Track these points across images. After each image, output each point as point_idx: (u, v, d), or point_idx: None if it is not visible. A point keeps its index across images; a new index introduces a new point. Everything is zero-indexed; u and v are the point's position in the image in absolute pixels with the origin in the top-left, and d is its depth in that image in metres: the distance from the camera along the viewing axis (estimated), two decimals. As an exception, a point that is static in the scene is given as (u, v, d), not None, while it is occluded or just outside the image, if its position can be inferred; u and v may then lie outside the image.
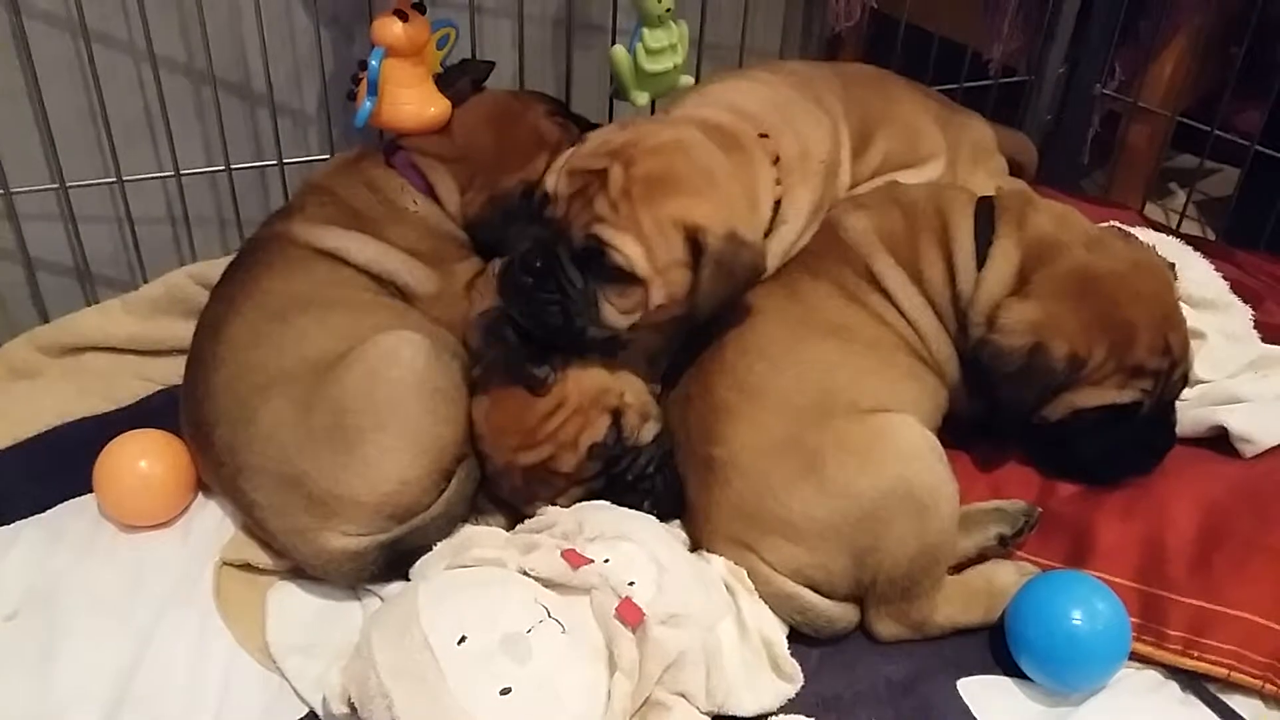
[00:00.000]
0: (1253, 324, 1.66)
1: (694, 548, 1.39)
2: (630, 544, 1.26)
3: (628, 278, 1.32)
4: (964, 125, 1.79)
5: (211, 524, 1.49)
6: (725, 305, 1.38)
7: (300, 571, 1.41)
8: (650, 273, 1.32)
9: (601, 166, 1.32)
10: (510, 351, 1.39)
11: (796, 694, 1.27)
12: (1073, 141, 2.18)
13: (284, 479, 1.35)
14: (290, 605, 1.39)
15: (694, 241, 1.32)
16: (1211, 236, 2.16)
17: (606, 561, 1.23)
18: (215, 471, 1.44)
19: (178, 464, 1.49)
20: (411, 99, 1.61)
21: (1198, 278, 1.64)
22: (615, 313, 1.35)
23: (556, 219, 1.35)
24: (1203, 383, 1.56)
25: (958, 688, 1.30)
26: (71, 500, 1.52)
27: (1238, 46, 1.94)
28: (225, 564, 1.43)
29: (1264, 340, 1.67)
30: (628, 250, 1.31)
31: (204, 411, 1.43)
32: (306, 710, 1.27)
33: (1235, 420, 1.49)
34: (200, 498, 1.53)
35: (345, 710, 1.14)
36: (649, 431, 1.44)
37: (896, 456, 1.32)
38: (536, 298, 1.35)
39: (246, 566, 1.42)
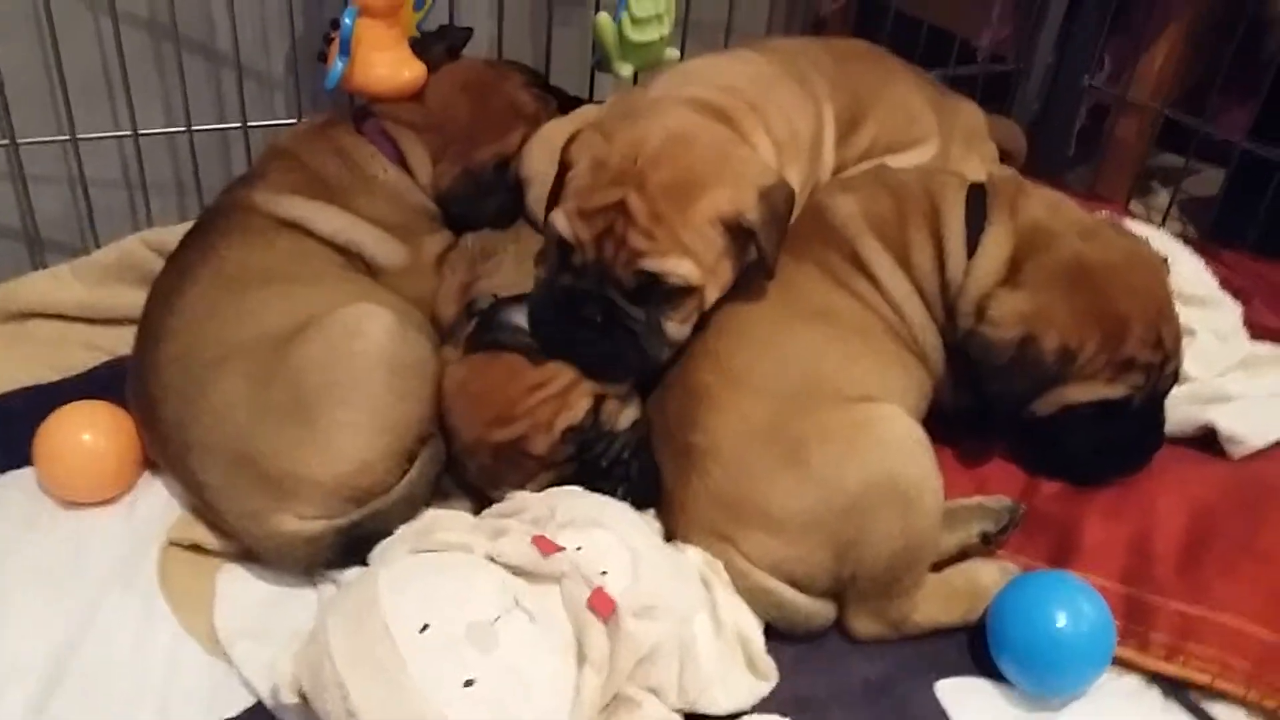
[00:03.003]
0: (1242, 321, 1.63)
1: (669, 539, 1.35)
2: (604, 531, 1.21)
3: (684, 292, 1.32)
4: (956, 109, 1.75)
5: (158, 503, 1.43)
6: (782, 243, 1.37)
7: (251, 555, 1.34)
8: (704, 277, 1.31)
9: (615, 199, 1.28)
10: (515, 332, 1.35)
11: (771, 692, 1.22)
12: (1058, 134, 2.16)
13: (236, 458, 1.29)
14: (240, 590, 1.33)
15: (735, 226, 1.31)
16: (1193, 236, 2.13)
17: (579, 549, 1.18)
18: (163, 448, 1.38)
19: (124, 439, 1.42)
20: (385, 62, 1.56)
21: (1188, 273, 1.61)
22: (678, 326, 1.35)
23: (591, 264, 1.31)
24: (1191, 380, 1.52)
25: (935, 689, 1.27)
26: (11, 473, 1.45)
27: (1225, 42, 1.92)
28: (171, 545, 1.36)
29: (1252, 338, 1.64)
30: (682, 270, 1.30)
31: (152, 385, 1.37)
32: (254, 700, 1.20)
33: (1224, 420, 1.46)
34: (147, 476, 1.46)
35: (295, 700, 1.08)
36: (627, 417, 1.39)
37: (882, 448, 1.27)
38: (609, 349, 1.34)
39: (194, 548, 1.36)
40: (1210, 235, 2.04)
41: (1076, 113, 2.15)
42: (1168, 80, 2.06)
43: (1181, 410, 1.49)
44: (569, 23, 1.96)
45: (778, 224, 1.33)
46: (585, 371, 1.34)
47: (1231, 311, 1.63)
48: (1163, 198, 2.22)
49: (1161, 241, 1.61)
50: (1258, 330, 1.67)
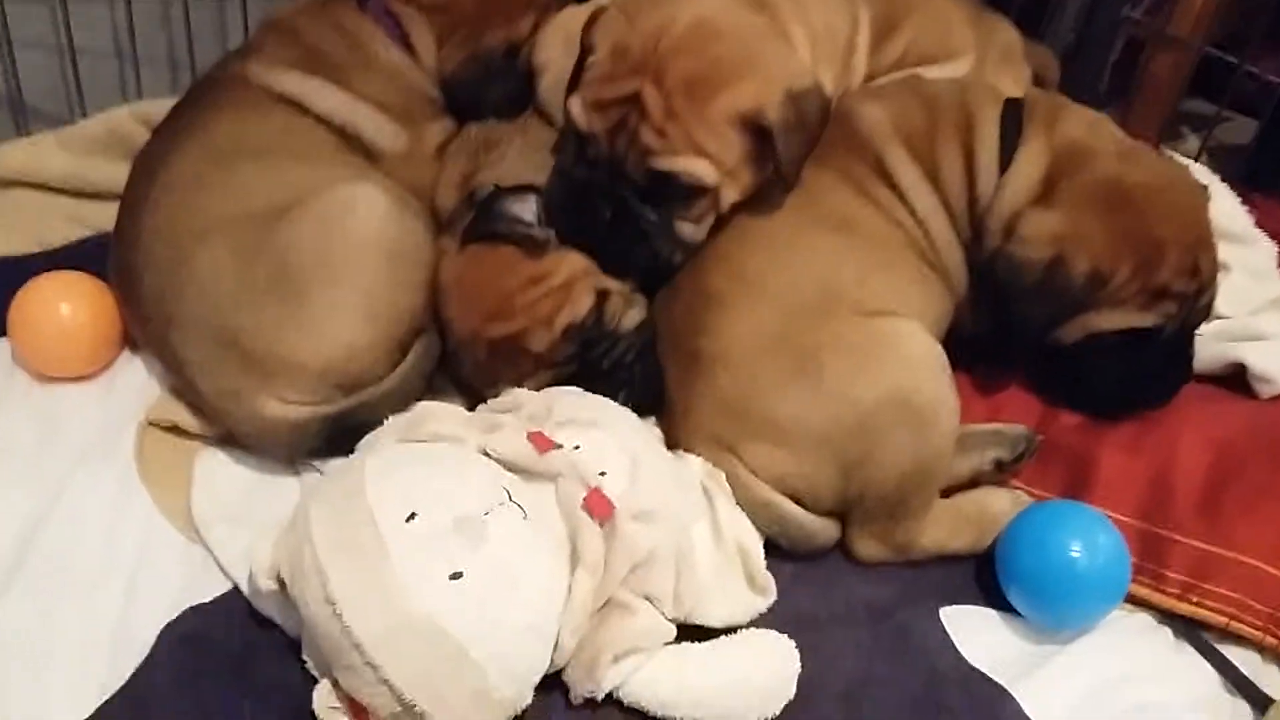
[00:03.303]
0: (1277, 262, 1.57)
1: (671, 447, 1.30)
2: (603, 432, 1.17)
3: (698, 192, 1.26)
4: (994, 27, 1.68)
5: (137, 382, 1.37)
6: (808, 154, 1.30)
7: (232, 439, 1.29)
8: (720, 178, 1.26)
9: (631, 90, 1.22)
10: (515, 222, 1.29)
11: (769, 609, 1.18)
12: (1092, 67, 2.07)
13: (218, 334, 1.23)
14: (219, 474, 1.28)
15: (755, 126, 1.24)
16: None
17: (576, 448, 1.13)
18: (143, 324, 1.32)
19: (103, 312, 1.36)
20: None
21: (1226, 208, 1.55)
22: (692, 228, 1.30)
23: (604, 158, 1.26)
24: (1222, 318, 1.47)
25: (940, 616, 1.24)
26: (-17, 343, 1.39)
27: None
28: (150, 424, 1.31)
29: (1285, 281, 1.58)
30: (694, 169, 1.24)
31: (134, 256, 1.30)
32: (230, 585, 1.16)
33: (1255, 357, 1.41)
34: (127, 354, 1.41)
35: (273, 586, 1.04)
36: (632, 319, 1.33)
37: (899, 363, 1.22)
38: (619, 247, 1.29)
39: (173, 429, 1.31)
40: (1241, 183, 1.98)
41: (1112, 45, 2.06)
42: (1209, 18, 1.97)
43: (1211, 347, 1.44)
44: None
45: (805, 132, 1.26)
46: (598, 264, 1.29)
47: (1267, 250, 1.57)
48: (1192, 143, 2.16)
49: (1200, 174, 1.54)
50: (1290, 276, 1.61)
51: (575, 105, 1.27)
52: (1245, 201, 1.70)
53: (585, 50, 1.29)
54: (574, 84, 1.30)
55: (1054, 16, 2.05)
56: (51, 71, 1.71)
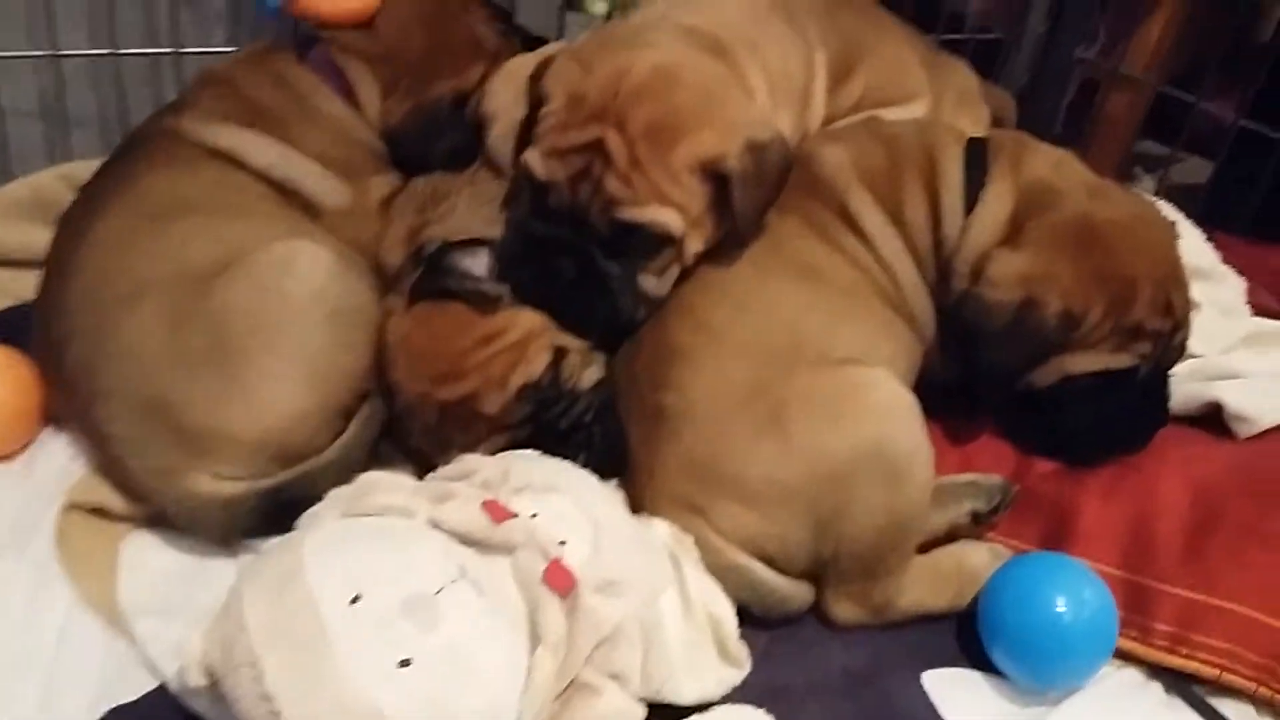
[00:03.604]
0: (1245, 298, 1.55)
1: (635, 511, 1.23)
2: (563, 498, 1.10)
3: (663, 243, 1.23)
4: (950, 70, 1.67)
5: (60, 461, 1.29)
6: (766, 211, 1.27)
7: (162, 520, 1.21)
8: (686, 228, 1.22)
9: (592, 138, 1.19)
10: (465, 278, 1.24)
11: (743, 681, 1.12)
12: (1047, 107, 2.08)
13: (147, 406, 1.16)
14: (148, 559, 1.20)
15: (716, 174, 1.20)
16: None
17: (534, 516, 1.06)
18: (68, 397, 1.25)
19: (23, 387, 1.29)
20: None
21: (1192, 245, 1.54)
22: (656, 281, 1.26)
23: (565, 208, 1.22)
24: (1194, 357, 1.44)
25: (922, 681, 1.18)
26: (-104, 422, 1.30)
27: (1220, 21, 1.86)
28: (72, 507, 1.22)
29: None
30: (662, 219, 1.20)
31: (58, 325, 1.24)
32: (156, 684, 1.08)
33: (1232, 397, 1.38)
34: (49, 431, 1.33)
35: (203, 682, 0.96)
36: (590, 376, 1.28)
37: (870, 413, 1.18)
38: (581, 304, 1.25)
39: (98, 512, 1.23)
40: (1198, 222, 1.98)
41: (1067, 86, 2.07)
42: (1162, 55, 1.99)
43: (1185, 387, 1.40)
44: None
45: (764, 185, 1.23)
46: (558, 323, 1.24)
47: (1234, 286, 1.56)
48: (1146, 183, 2.18)
49: (1164, 209, 1.52)
50: (1259, 312, 1.60)
51: (533, 156, 1.23)
52: (1207, 239, 1.69)
53: (537, 100, 1.25)
54: (526, 135, 1.26)
55: (1008, 58, 2.06)
56: (-24, 133, 1.65)
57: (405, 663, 0.91)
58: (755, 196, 1.23)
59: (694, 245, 1.25)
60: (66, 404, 1.26)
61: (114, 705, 1.05)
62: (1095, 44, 2.04)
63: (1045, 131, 2.07)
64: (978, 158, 1.34)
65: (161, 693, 1.06)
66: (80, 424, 1.25)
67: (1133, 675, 1.21)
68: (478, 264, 1.25)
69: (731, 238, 1.26)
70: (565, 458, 1.21)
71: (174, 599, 1.15)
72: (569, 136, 1.20)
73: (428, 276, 1.25)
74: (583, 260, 1.22)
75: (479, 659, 0.94)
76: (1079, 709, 1.16)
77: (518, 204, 1.28)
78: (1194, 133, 1.95)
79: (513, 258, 1.25)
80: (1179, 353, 1.34)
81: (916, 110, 1.54)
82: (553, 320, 1.25)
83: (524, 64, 1.43)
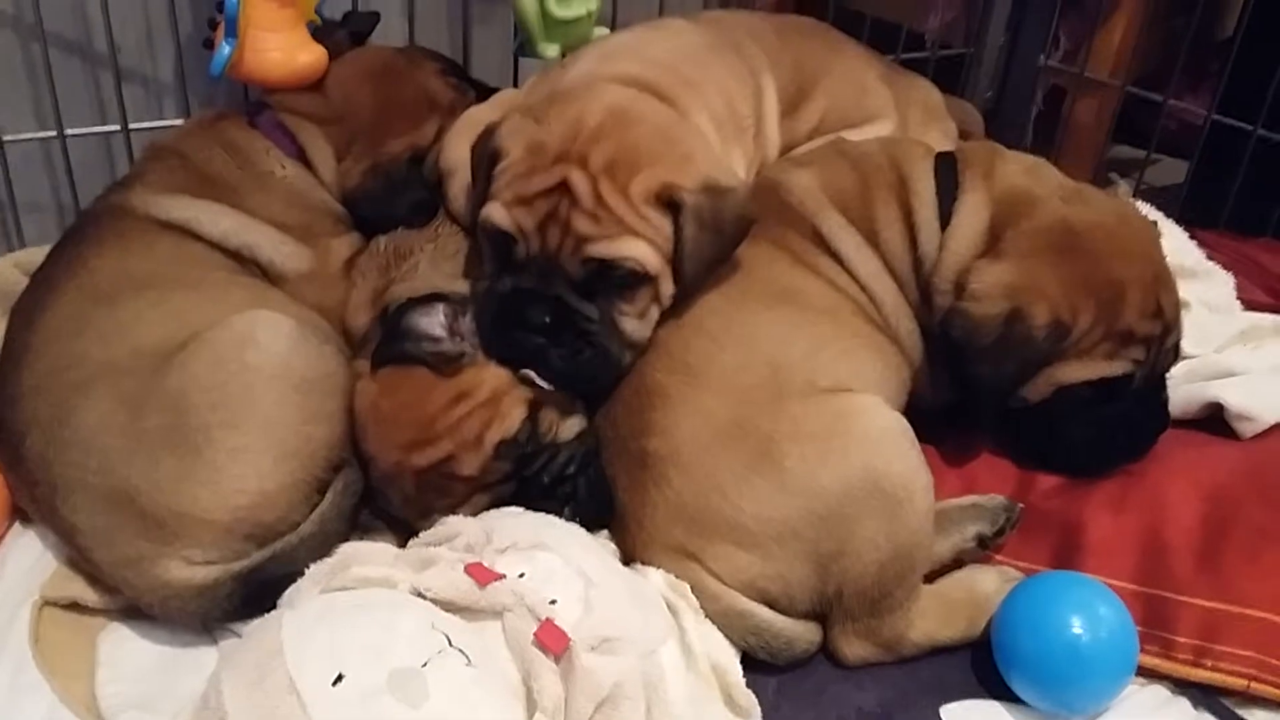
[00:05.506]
0: (1234, 294, 1.53)
1: (627, 561, 1.20)
2: (550, 554, 1.06)
3: (638, 280, 1.20)
4: (912, 85, 1.66)
5: (29, 558, 1.24)
6: (717, 267, 1.24)
7: (138, 610, 1.16)
8: (660, 265, 1.20)
9: (557, 180, 1.18)
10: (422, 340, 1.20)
11: (753, 731, 1.08)
12: (1015, 119, 2.07)
13: (110, 496, 1.12)
14: (126, 652, 1.16)
15: (671, 204, 1.18)
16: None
17: (521, 576, 1.03)
18: (30, 491, 1.20)
19: None
20: (278, 45, 1.42)
21: (1175, 244, 1.52)
22: (635, 323, 1.23)
23: (535, 255, 1.19)
24: (1189, 357, 1.41)
25: (941, 716, 1.15)
26: None
27: (1181, 19, 1.86)
28: (46, 603, 1.18)
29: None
30: (634, 252, 1.18)
31: (14, 416, 1.19)
32: (137, 781, 1.02)
33: (1233, 396, 1.35)
34: (17, 528, 1.27)
35: (183, 777, 0.90)
36: (570, 428, 1.24)
37: (863, 443, 1.15)
38: (563, 355, 1.20)
39: (72, 606, 1.19)
40: (1179, 222, 1.97)
41: (1033, 95, 2.07)
42: (1126, 56, 1.98)
43: (1182, 389, 1.38)
44: (488, 20, 1.82)
45: (719, 231, 1.21)
46: (547, 381, 1.20)
47: (1223, 283, 1.55)
48: (1124, 188, 2.16)
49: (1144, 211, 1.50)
50: (1250, 307, 1.58)
51: (494, 209, 1.20)
52: (1191, 238, 1.67)
53: (495, 157, 1.23)
54: (484, 192, 1.24)
55: (970, 70, 2.04)
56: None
57: (394, 742, 0.87)
58: (707, 243, 1.20)
59: (668, 285, 1.22)
60: (30, 497, 1.21)
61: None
62: (1058, 51, 2.04)
63: (1016, 144, 2.06)
64: (949, 170, 1.33)
65: (143, 792, 1.01)
66: (45, 516, 1.20)
67: (1158, 692, 1.18)
68: (434, 323, 1.21)
69: (679, 289, 1.23)
70: (550, 512, 1.18)
71: (155, 691, 1.11)
72: (533, 183, 1.18)
73: (385, 343, 1.22)
74: (559, 307, 1.19)
75: (472, 732, 0.90)
76: (1106, 732, 1.12)
77: (485, 267, 1.25)
78: (1166, 133, 1.95)
79: (489, 322, 1.21)
80: (1173, 356, 1.32)
81: (881, 129, 1.53)
82: (546, 379, 1.21)
83: (480, 114, 1.41)
